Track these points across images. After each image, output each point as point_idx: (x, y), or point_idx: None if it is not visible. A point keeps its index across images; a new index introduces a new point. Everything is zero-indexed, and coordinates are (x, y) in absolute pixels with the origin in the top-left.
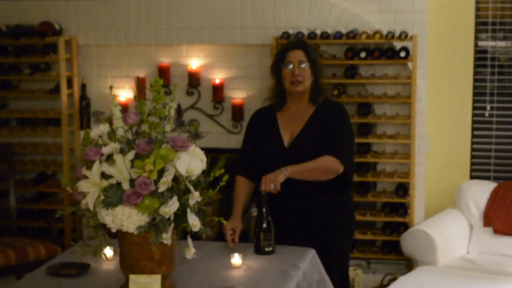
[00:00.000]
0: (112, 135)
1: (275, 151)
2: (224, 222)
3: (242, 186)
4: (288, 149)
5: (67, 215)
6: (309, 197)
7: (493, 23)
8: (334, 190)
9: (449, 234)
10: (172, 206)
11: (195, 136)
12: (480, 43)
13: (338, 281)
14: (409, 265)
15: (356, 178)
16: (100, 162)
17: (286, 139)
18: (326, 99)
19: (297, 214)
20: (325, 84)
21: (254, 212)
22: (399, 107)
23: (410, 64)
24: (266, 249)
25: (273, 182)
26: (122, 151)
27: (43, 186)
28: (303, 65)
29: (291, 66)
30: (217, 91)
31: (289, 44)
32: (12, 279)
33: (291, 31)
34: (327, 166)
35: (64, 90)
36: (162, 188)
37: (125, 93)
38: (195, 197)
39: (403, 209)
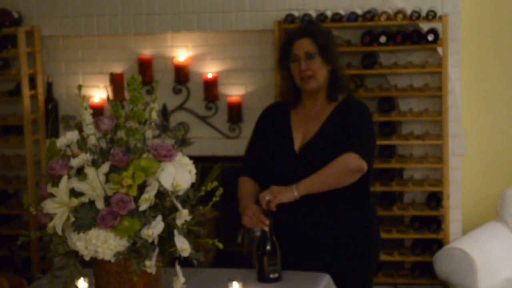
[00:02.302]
0: (82, 144)
1: (283, 156)
2: (220, 245)
3: (248, 185)
4: (298, 154)
5: (33, 241)
6: (321, 211)
7: None
8: (351, 203)
9: (492, 252)
10: (156, 228)
11: (182, 142)
12: None
13: None
14: None
15: (378, 188)
16: (69, 177)
17: (298, 142)
18: (349, 96)
19: (307, 232)
20: (346, 76)
21: (257, 231)
22: (428, 101)
23: (440, 50)
24: (271, 275)
25: (271, 200)
26: (95, 163)
27: (3, 207)
28: (312, 57)
29: (297, 59)
30: (210, 87)
31: (294, 32)
32: None
33: (296, 14)
34: (346, 165)
35: (26, 91)
36: (143, 206)
37: (99, 93)
38: (184, 216)
39: (436, 223)
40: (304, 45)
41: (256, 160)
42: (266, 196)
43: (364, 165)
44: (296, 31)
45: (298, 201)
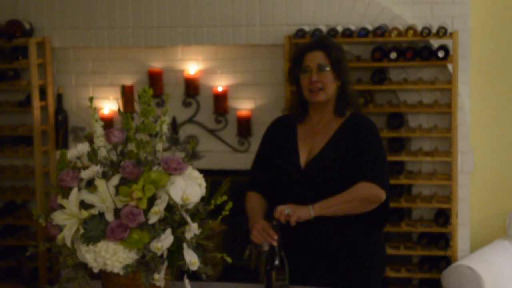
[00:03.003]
0: (93, 156)
1: (288, 171)
2: (228, 259)
3: (256, 201)
4: (304, 170)
5: (41, 252)
6: (333, 231)
7: None
8: (365, 227)
9: (500, 270)
10: (165, 241)
11: (193, 156)
12: None
13: None
14: None
15: None
16: (79, 189)
17: (304, 157)
18: (356, 112)
19: (314, 247)
20: (354, 92)
21: (265, 246)
22: (437, 117)
23: (450, 66)
24: None
25: (290, 214)
26: (105, 176)
27: (12, 218)
28: (324, 69)
29: (309, 70)
30: (220, 101)
31: (306, 45)
32: None
33: (307, 28)
34: (365, 195)
35: (36, 102)
36: (153, 219)
37: (109, 105)
38: (193, 229)
39: (444, 240)
40: (317, 58)
41: (263, 175)
42: (286, 209)
43: (383, 195)
44: (309, 44)
45: (312, 219)
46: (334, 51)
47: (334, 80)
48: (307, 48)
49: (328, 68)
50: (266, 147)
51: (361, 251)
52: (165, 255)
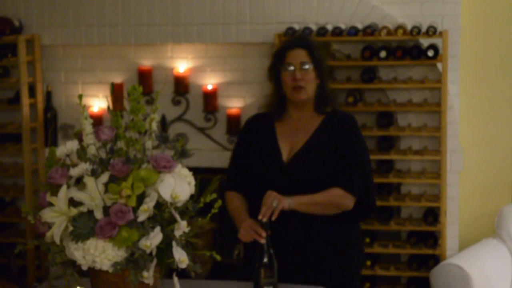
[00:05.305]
0: (82, 153)
1: (271, 167)
2: (218, 257)
3: (237, 200)
4: (288, 165)
5: (29, 250)
6: (309, 225)
7: None
8: (348, 219)
9: (489, 269)
10: (154, 239)
11: (182, 154)
12: None
13: None
14: None
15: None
16: (68, 187)
17: (285, 153)
18: (335, 109)
19: (291, 244)
20: (333, 90)
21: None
22: (426, 116)
23: (439, 65)
24: None
25: (275, 203)
26: (94, 173)
27: (1, 215)
28: (306, 67)
29: (291, 68)
30: (209, 99)
31: (289, 42)
32: None
33: (296, 27)
34: (336, 201)
35: (25, 100)
36: (142, 217)
37: (98, 103)
38: (182, 227)
39: (432, 239)
40: (300, 55)
41: (242, 174)
42: (274, 202)
43: (351, 205)
44: (291, 41)
45: (288, 213)
46: (317, 50)
47: (315, 78)
48: (289, 45)
49: (310, 66)
50: (244, 146)
51: (339, 245)
52: (154, 253)
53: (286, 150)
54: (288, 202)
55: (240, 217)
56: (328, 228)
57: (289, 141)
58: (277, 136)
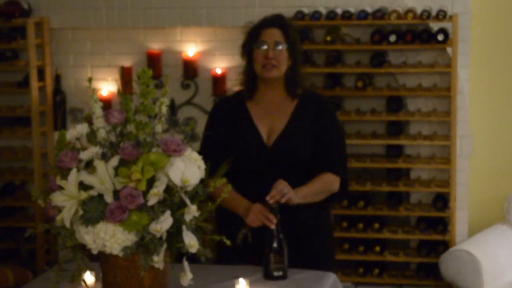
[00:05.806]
0: (92, 137)
1: (253, 149)
2: (227, 242)
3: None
4: (272, 149)
5: (39, 234)
6: (289, 208)
7: None
8: (327, 200)
9: (498, 255)
10: (164, 223)
11: (192, 137)
12: None
13: None
14: None
15: (385, 188)
16: (78, 170)
17: (265, 135)
18: (307, 90)
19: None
20: (304, 74)
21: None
22: (436, 101)
23: (449, 50)
24: (275, 273)
25: (286, 189)
26: (104, 157)
27: (10, 199)
28: (280, 47)
29: (265, 46)
30: (218, 83)
31: (265, 20)
32: None
33: (306, 10)
34: (330, 187)
35: (34, 83)
36: (152, 201)
37: (107, 86)
38: (192, 211)
39: (442, 225)
40: (274, 34)
41: (218, 157)
42: (285, 189)
43: (338, 188)
44: (266, 20)
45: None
46: (291, 31)
47: (287, 59)
48: (264, 24)
49: (284, 46)
50: (217, 128)
51: (316, 226)
52: (164, 237)
53: (265, 132)
54: (295, 198)
55: (242, 202)
56: (307, 210)
57: (267, 123)
58: (253, 118)
